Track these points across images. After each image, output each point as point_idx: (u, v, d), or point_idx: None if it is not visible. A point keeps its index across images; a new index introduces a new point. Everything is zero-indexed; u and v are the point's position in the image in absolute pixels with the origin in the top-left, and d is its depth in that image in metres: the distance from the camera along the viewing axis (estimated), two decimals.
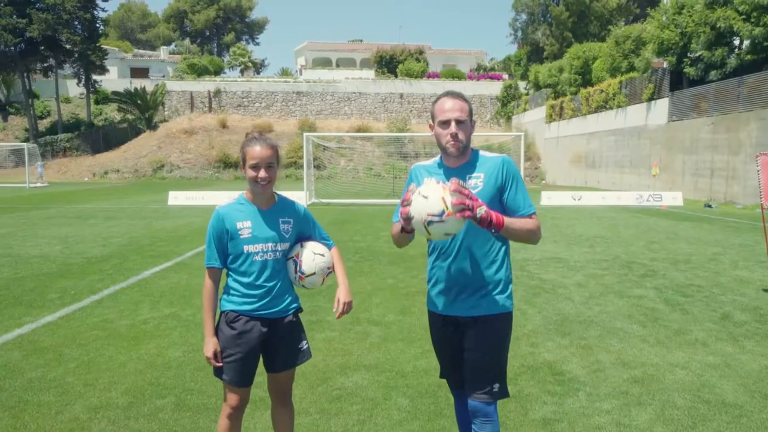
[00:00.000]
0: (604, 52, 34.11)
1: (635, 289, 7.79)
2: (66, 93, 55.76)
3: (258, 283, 2.83)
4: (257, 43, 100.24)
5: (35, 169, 39.68)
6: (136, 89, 51.20)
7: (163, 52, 65.89)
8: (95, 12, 50.92)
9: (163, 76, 57.75)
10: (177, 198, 23.05)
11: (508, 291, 2.72)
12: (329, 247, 3.04)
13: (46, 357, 5.06)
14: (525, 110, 46.64)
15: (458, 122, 2.60)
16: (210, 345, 2.82)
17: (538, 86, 43.15)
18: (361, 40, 71.94)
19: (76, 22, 49.17)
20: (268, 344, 2.89)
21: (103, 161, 46.97)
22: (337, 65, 62.99)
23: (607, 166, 32.61)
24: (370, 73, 55.53)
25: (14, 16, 47.36)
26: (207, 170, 44.24)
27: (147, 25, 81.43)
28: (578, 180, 35.87)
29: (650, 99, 28.23)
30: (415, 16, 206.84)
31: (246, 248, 2.80)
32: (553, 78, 39.36)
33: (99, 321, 6.21)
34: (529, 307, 6.78)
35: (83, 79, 51.65)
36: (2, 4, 47.19)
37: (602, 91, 32.38)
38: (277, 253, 2.86)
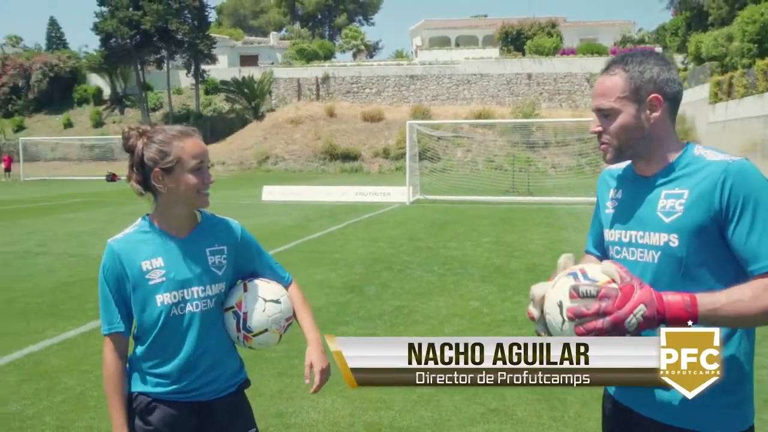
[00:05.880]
0: None
1: None
2: (178, 84, 58.73)
3: (180, 350, 2.09)
4: (372, 24, 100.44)
5: None
6: (243, 78, 52.93)
7: (272, 38, 67.49)
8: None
9: (272, 63, 59.30)
10: (272, 193, 23.08)
11: (742, 395, 1.75)
12: (285, 283, 2.29)
13: (39, 385, 4.73)
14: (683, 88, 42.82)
15: (600, 112, 1.90)
16: None
17: (700, 59, 39.28)
18: (485, 16, 70.01)
19: (186, 11, 51.89)
20: None
21: (209, 153, 48.96)
22: (457, 44, 61.40)
23: None
24: (493, 52, 53.20)
25: (130, 9, 50.77)
26: (312, 162, 44.78)
27: (259, 11, 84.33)
28: None
29: None
30: None
31: (159, 299, 2.07)
32: (720, 48, 35.57)
33: None
34: None
35: (192, 69, 54.16)
36: None
37: None
38: (209, 301, 2.12)
